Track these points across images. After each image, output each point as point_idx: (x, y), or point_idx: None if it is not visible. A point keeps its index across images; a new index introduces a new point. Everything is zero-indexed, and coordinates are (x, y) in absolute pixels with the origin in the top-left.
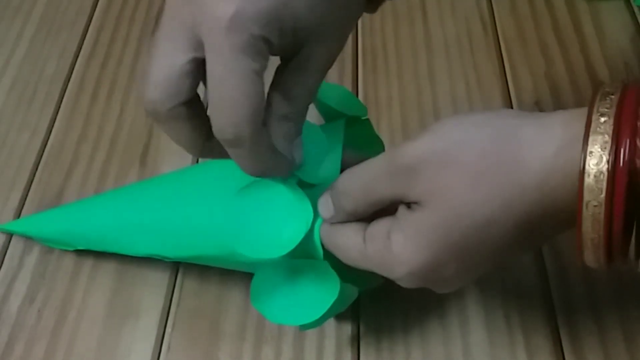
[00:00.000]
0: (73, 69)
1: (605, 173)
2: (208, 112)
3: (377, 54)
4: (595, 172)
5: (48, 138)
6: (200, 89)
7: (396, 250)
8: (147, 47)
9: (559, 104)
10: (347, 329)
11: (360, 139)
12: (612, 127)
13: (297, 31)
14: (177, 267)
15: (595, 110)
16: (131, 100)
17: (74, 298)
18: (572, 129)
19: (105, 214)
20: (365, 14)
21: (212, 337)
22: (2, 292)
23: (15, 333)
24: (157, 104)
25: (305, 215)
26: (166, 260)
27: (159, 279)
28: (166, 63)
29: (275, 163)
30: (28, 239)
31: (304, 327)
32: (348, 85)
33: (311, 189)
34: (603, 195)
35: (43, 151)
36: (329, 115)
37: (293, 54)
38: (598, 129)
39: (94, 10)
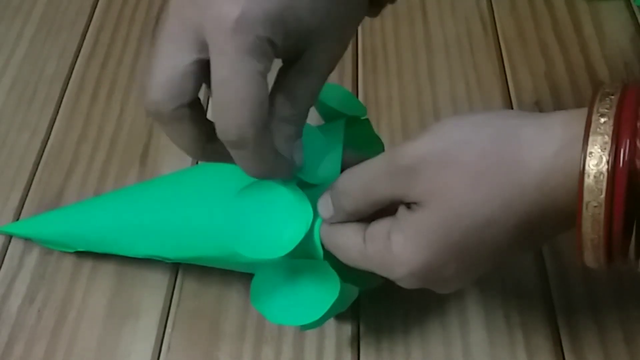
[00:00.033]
0: (73, 69)
1: (605, 173)
2: (212, 113)
3: (377, 54)
4: (595, 173)
5: (48, 138)
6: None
7: (396, 250)
8: (148, 47)
9: (559, 104)
10: (347, 329)
11: (360, 139)
12: (612, 128)
13: (300, 33)
14: (177, 268)
15: (595, 110)
16: (131, 100)
17: (74, 298)
18: (572, 129)
19: (104, 215)
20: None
21: (212, 338)
22: (2, 292)
23: (15, 333)
24: (159, 105)
25: (305, 215)
26: (166, 261)
27: (158, 280)
28: (169, 64)
29: (277, 165)
30: (28, 240)
31: (304, 328)
32: (348, 86)
33: (311, 189)
34: (603, 195)
35: (43, 151)
36: (329, 115)
37: (296, 57)
38: (598, 129)
39: (94, 10)
